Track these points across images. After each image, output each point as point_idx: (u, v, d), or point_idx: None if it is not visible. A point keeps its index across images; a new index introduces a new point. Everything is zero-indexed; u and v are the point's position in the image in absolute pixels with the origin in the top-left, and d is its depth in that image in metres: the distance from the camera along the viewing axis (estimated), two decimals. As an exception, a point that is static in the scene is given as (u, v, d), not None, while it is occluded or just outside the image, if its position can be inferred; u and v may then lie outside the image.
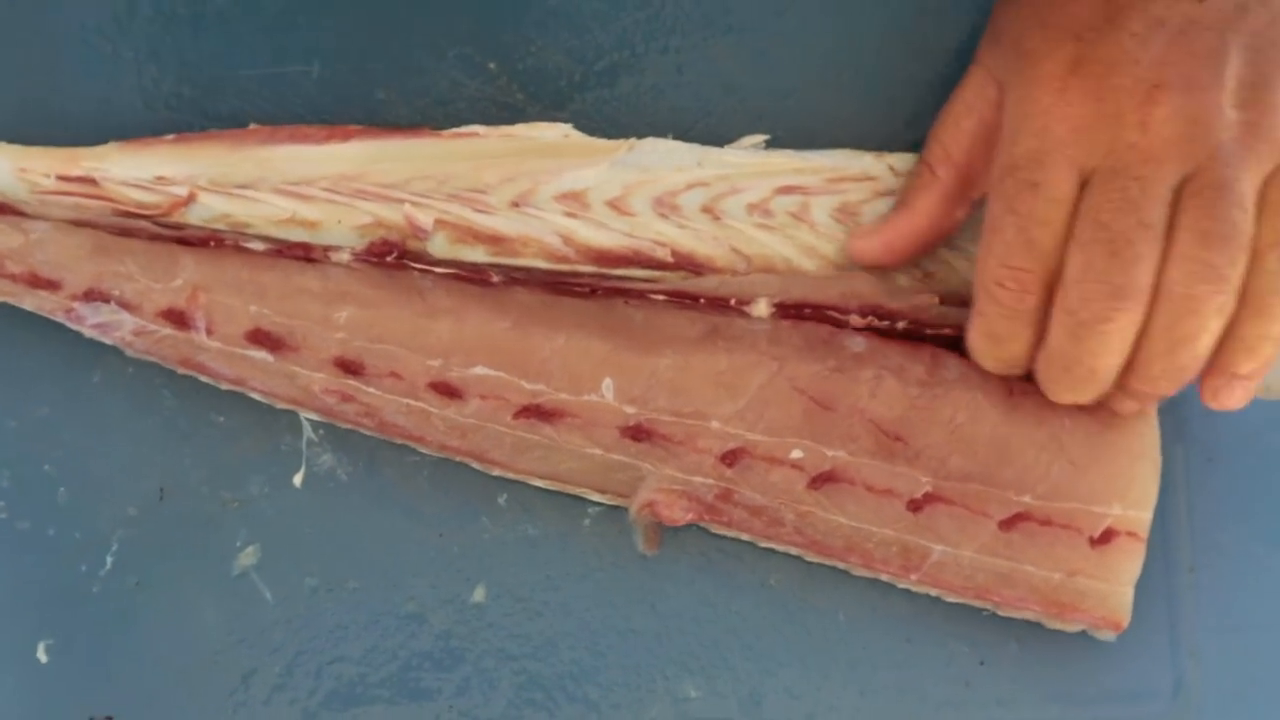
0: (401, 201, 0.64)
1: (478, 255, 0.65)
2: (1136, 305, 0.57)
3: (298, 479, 0.65)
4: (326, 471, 0.65)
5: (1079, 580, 0.62)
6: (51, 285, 0.63)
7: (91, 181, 0.64)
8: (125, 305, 0.63)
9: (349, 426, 0.64)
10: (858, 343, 0.63)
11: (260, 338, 0.63)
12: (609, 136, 0.66)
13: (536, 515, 0.65)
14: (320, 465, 0.65)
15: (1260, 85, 0.58)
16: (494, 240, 0.65)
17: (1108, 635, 0.64)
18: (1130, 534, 0.62)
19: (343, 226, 0.64)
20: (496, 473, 0.64)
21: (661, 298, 0.65)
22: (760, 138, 0.66)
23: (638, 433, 0.63)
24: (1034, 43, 0.59)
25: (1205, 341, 0.58)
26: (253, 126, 0.65)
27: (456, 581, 0.65)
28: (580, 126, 0.66)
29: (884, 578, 0.64)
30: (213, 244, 0.64)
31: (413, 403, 0.63)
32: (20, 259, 0.63)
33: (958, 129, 0.63)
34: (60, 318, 0.64)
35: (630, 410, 0.62)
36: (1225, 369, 0.59)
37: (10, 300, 0.64)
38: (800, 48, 0.68)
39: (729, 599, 0.65)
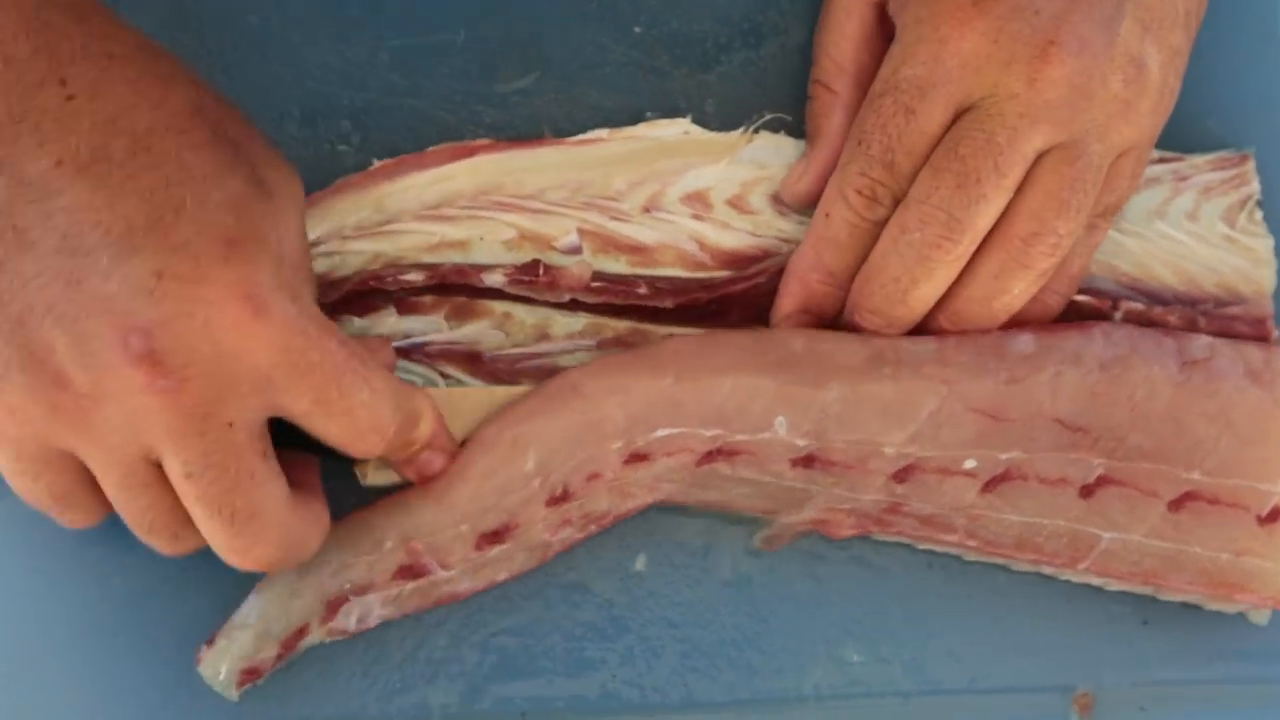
0: (541, 212, 0.65)
1: (619, 266, 0.65)
2: (967, 243, 0.59)
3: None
4: (486, 441, 0.65)
5: (1247, 560, 0.62)
6: (297, 637, 0.61)
7: None
8: (361, 592, 0.61)
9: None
10: (1025, 342, 0.63)
11: (490, 540, 0.62)
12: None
13: (695, 482, 0.65)
14: (480, 435, 0.65)
15: (1143, 63, 0.59)
16: (634, 250, 0.65)
17: (1262, 618, 0.63)
18: None
19: (487, 242, 0.65)
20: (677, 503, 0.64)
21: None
22: None
23: (809, 461, 0.62)
24: None
25: (1020, 297, 0.60)
26: (376, 164, 0.66)
27: (618, 550, 0.65)
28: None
29: (1047, 570, 0.63)
30: (372, 285, 0.64)
31: (613, 483, 0.62)
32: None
33: (842, 37, 0.64)
34: (332, 639, 0.62)
35: (802, 443, 0.62)
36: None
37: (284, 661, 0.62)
38: None
39: (889, 562, 0.65)
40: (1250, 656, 0.65)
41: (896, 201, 0.60)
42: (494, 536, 0.61)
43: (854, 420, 0.62)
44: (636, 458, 0.62)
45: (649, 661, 0.64)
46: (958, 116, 0.59)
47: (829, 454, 0.62)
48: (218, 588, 0.62)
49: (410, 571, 0.61)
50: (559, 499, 0.62)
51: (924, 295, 0.60)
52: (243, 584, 0.61)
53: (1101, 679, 0.64)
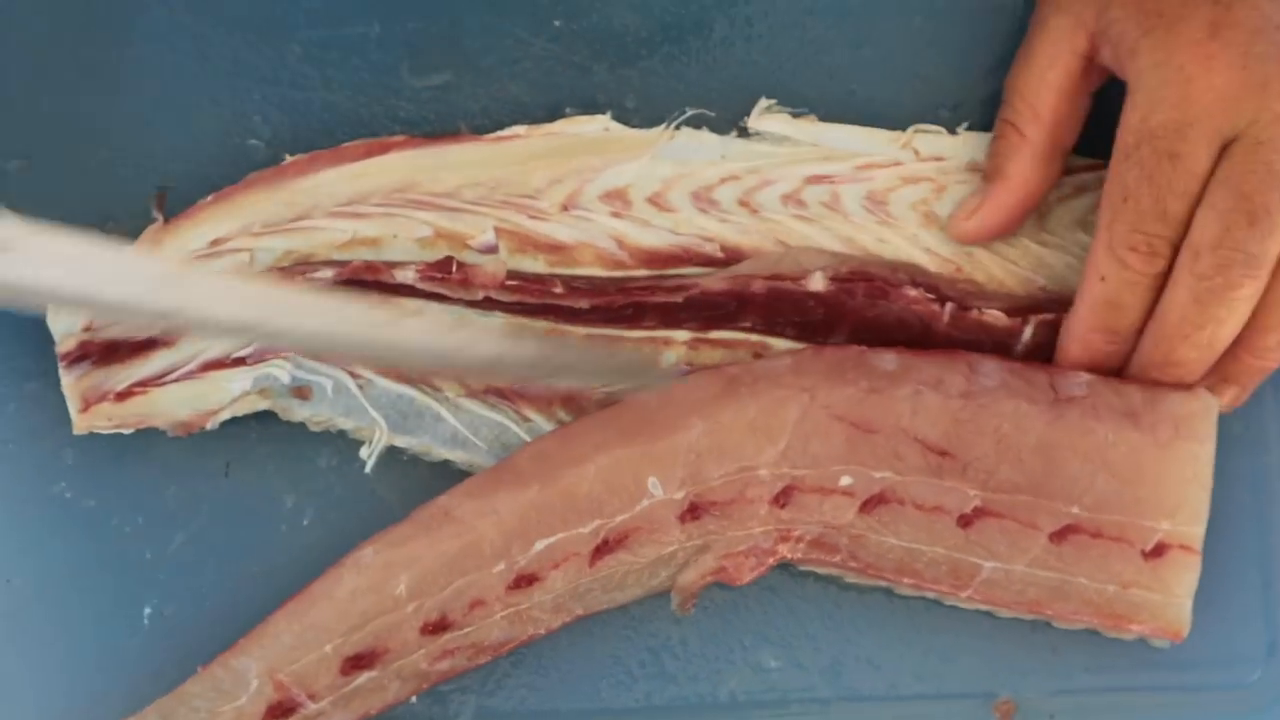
0: (457, 210, 0.64)
1: (538, 265, 0.64)
2: (1264, 275, 0.58)
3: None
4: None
5: (1134, 593, 0.61)
6: None
7: None
8: None
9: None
10: (888, 360, 0.62)
11: (355, 664, 0.60)
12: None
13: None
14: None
15: None
16: (552, 249, 0.65)
17: (1164, 643, 0.63)
18: (1184, 547, 0.61)
19: (401, 240, 0.64)
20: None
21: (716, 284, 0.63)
22: (769, 104, 0.66)
23: (695, 511, 0.61)
24: (1164, 3, 0.58)
25: None
26: (288, 159, 0.64)
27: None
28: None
29: (930, 595, 0.63)
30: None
31: (505, 612, 0.61)
32: None
33: (1042, 83, 0.62)
34: None
35: (680, 495, 0.61)
36: None
37: None
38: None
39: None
40: (1174, 665, 0.64)
41: (1174, 249, 0.59)
42: (359, 661, 0.60)
43: (723, 448, 0.61)
44: (524, 580, 0.61)
45: (563, 669, 0.63)
46: (1223, 150, 0.58)
47: (709, 495, 0.61)
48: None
49: (280, 709, 0.60)
50: (435, 627, 0.60)
51: (1226, 336, 0.59)
52: (142, 586, 0.60)
53: (1023, 686, 0.64)
